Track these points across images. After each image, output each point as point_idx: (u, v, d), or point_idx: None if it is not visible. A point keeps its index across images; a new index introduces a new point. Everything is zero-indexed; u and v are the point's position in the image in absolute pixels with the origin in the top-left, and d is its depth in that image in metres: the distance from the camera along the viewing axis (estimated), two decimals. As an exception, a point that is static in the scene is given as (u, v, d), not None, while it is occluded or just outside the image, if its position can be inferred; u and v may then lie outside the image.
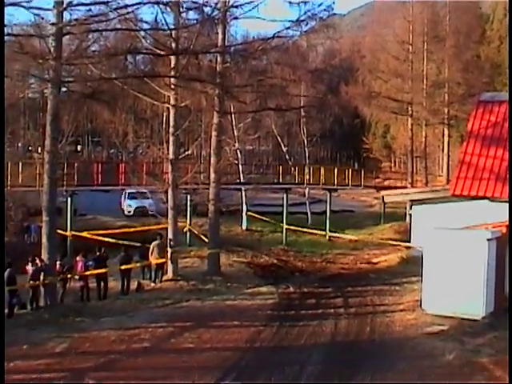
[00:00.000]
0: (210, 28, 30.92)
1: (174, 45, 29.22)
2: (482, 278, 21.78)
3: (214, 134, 32.41)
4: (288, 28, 31.60)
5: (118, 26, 28.23)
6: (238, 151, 48.91)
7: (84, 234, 35.39)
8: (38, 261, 24.73)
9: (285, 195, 45.34)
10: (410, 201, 38.39)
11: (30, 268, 24.73)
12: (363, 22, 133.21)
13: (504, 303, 22.31)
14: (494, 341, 19.71)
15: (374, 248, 41.33)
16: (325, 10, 30.81)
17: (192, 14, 30.38)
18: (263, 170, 64.98)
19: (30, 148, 66.44)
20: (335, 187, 53.49)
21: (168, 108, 31.08)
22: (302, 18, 30.72)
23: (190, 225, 40.72)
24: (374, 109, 70.08)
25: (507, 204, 23.78)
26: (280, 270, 34.34)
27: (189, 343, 20.19)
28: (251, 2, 29.85)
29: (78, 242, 34.45)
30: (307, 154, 57.66)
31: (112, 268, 27.99)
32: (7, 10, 23.31)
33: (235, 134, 47.44)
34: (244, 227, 47.91)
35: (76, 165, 44.53)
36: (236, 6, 30.53)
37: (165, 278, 29.79)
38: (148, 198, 47.51)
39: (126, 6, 24.98)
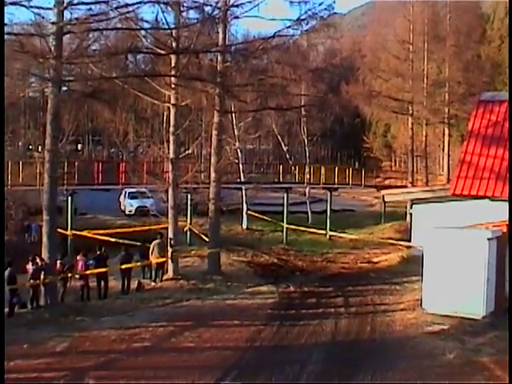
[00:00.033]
0: (210, 27, 30.92)
1: (174, 44, 29.22)
2: (483, 278, 21.79)
3: (214, 133, 32.41)
4: (288, 27, 31.64)
5: (119, 25, 28.22)
6: (238, 150, 48.92)
7: (84, 233, 35.39)
8: (38, 260, 24.73)
9: (285, 194, 45.34)
10: (411, 200, 38.38)
11: (30, 267, 24.72)
12: (364, 21, 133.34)
13: (504, 302, 22.31)
14: (494, 340, 19.73)
15: (375, 247, 41.34)
16: (325, 9, 30.84)
17: (192, 13, 30.42)
18: (264, 169, 65.01)
19: (30, 147, 66.45)
20: (336, 186, 53.52)
21: (168, 107, 31.08)
22: (302, 17, 30.77)
23: (191, 224, 40.70)
24: (375, 108, 70.12)
25: (507, 203, 23.79)
26: (280, 270, 34.34)
27: (189, 342, 20.20)
28: (252, 1, 29.88)
29: (78, 241, 34.45)
30: (308, 154, 57.69)
31: (112, 267, 27.99)
32: (8, 9, 23.33)
33: (236, 133, 47.44)
34: (244, 226, 47.91)
35: (76, 164, 44.56)
36: (237, 5, 30.53)
37: (165, 277, 29.80)
38: (148, 198, 47.49)
39: (127, 5, 24.99)
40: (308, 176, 53.96)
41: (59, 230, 28.68)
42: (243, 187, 47.96)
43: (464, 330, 20.92)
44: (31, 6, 23.13)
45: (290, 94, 45.02)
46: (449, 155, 61.18)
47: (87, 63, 26.58)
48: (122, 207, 50.09)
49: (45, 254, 24.81)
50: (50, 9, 24.00)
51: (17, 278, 24.13)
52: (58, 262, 25.91)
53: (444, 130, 62.23)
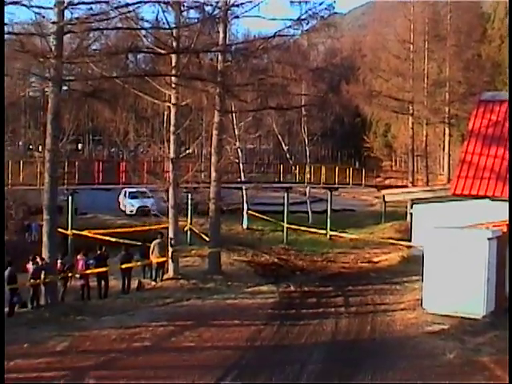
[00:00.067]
0: (210, 27, 30.93)
1: (174, 43, 29.22)
2: (483, 277, 21.78)
3: (214, 132, 32.42)
4: (289, 27, 31.67)
5: (119, 25, 28.25)
6: (238, 150, 48.92)
7: (85, 232, 35.39)
8: (38, 259, 24.73)
9: (285, 194, 45.34)
10: (411, 200, 38.40)
11: (30, 266, 24.73)
12: (364, 20, 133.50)
13: (505, 302, 22.32)
14: (494, 340, 19.73)
15: (375, 247, 41.35)
16: (326, 8, 30.90)
17: (193, 13, 30.42)
18: (264, 168, 64.96)
19: (30, 146, 66.33)
20: (336, 186, 53.50)
21: (169, 107, 31.09)
22: (302, 17, 30.79)
23: (191, 224, 40.71)
24: (375, 108, 70.16)
25: (508, 203, 23.78)
26: (281, 269, 34.34)
27: (189, 342, 20.20)
28: (252, 1, 29.90)
29: (78, 241, 34.45)
30: (308, 153, 57.70)
31: (113, 267, 28.00)
32: (8, 8, 23.35)
33: (236, 132, 47.44)
34: (245, 226, 47.92)
35: (77, 163, 44.53)
36: (237, 5, 30.56)
37: (165, 276, 29.81)
38: (149, 197, 47.45)
39: (127, 5, 25.00)
40: (308, 176, 53.96)
41: (59, 230, 28.68)
42: (243, 187, 47.96)
43: (464, 329, 20.92)
44: (32, 6, 23.13)
45: (291, 94, 45.08)
46: (449, 155, 61.21)
47: (88, 63, 26.57)
48: (122, 207, 49.90)
49: (45, 254, 24.80)
50: (50, 8, 24.01)
51: (17, 278, 24.15)
52: (59, 261, 25.93)
53: (444, 130, 62.25)
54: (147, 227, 37.40)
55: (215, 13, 29.88)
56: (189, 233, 40.14)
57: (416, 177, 62.11)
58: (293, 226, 43.76)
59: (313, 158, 62.00)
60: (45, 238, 24.93)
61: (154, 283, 29.16)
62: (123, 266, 28.06)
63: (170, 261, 30.14)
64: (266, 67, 43.87)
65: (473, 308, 21.77)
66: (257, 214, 47.06)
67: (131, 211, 48.15)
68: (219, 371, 17.05)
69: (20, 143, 73.46)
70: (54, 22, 24.03)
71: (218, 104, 31.90)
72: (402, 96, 58.68)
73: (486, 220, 24.43)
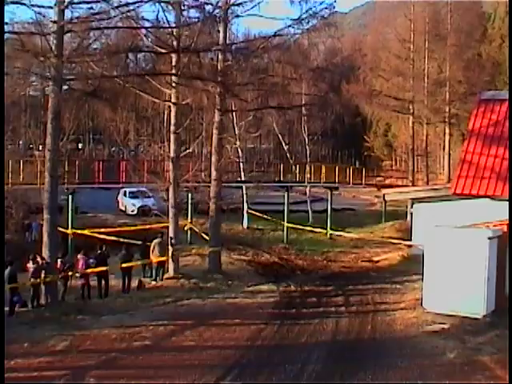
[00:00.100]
0: (211, 26, 30.88)
1: (175, 43, 29.23)
2: (483, 277, 21.80)
3: (215, 132, 32.42)
4: (289, 26, 31.69)
5: (120, 24, 28.27)
6: (239, 149, 48.86)
7: (85, 231, 35.38)
8: (38, 259, 24.74)
9: (286, 193, 45.32)
10: (411, 199, 38.36)
11: (31, 266, 24.73)
12: (365, 20, 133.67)
13: (505, 302, 22.30)
14: (495, 339, 19.75)
15: (375, 246, 41.35)
16: (326, 8, 30.88)
17: (193, 12, 30.41)
18: (264, 168, 65.01)
19: (31, 146, 66.41)
20: (336, 185, 53.47)
21: (169, 106, 31.10)
22: (303, 17, 30.79)
23: (191, 223, 40.70)
24: (376, 107, 70.27)
25: (508, 203, 23.78)
26: (281, 269, 34.33)
27: (190, 341, 20.21)
28: (252, 0, 29.92)
29: (79, 240, 34.43)
30: (308, 153, 57.60)
31: (113, 266, 28.00)
32: (8, 7, 23.39)
33: (236, 132, 47.37)
34: (245, 225, 47.88)
35: (77, 163, 44.61)
36: (237, 4, 30.57)
37: (166, 276, 29.83)
38: (149, 197, 47.35)
39: (128, 4, 25.00)
40: (309, 175, 53.99)
41: (60, 229, 28.71)
42: (244, 186, 47.94)
43: (464, 329, 20.95)
44: (32, 5, 23.20)
45: (291, 93, 45.00)
46: (449, 154, 61.24)
47: (88, 62, 26.58)
48: (122, 207, 49.41)
49: (45, 253, 24.82)
50: (50, 7, 24.05)
51: (17, 277, 24.16)
52: (59, 260, 25.94)
53: (445, 129, 62.30)
54: (147, 226, 37.40)
55: (215, 12, 29.92)
56: (189, 232, 40.11)
57: (416, 176, 62.15)
58: (293, 226, 43.76)
59: (313, 158, 61.89)
60: (45, 238, 24.94)
61: (154, 282, 29.17)
62: (123, 266, 28.06)
63: (170, 260, 30.16)
64: (266, 67, 43.83)
65: (473, 307, 21.78)
66: (257, 214, 47.05)
67: (132, 211, 47.79)
68: (220, 371, 17.07)
69: (20, 142, 73.37)
70: (54, 22, 24.05)
71: (218, 103, 31.90)
72: (402, 95, 58.76)
73: (487, 219, 24.43)
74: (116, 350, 19.28)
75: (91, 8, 24.17)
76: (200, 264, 33.20)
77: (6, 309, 23.04)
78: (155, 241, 29.89)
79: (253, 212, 47.56)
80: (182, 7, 29.20)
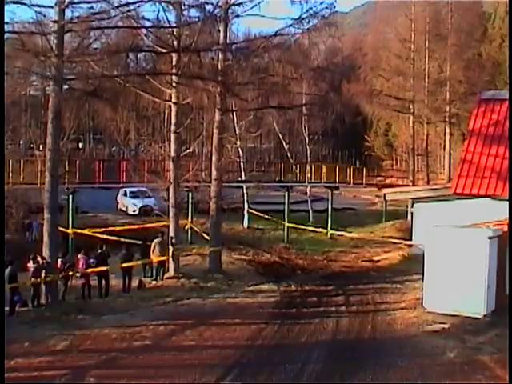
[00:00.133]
0: (211, 26, 30.88)
1: (175, 42, 29.24)
2: (484, 276, 21.81)
3: (215, 131, 32.43)
4: (290, 26, 31.73)
5: (120, 24, 28.28)
6: (239, 149, 48.84)
7: (85, 231, 35.38)
8: (39, 258, 24.75)
9: (286, 193, 45.30)
10: (412, 199, 38.35)
11: (31, 265, 24.73)
12: (365, 20, 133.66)
13: (505, 301, 22.30)
14: (495, 339, 19.76)
15: (376, 246, 41.33)
16: (327, 7, 30.86)
17: (194, 12, 30.40)
18: (265, 167, 65.05)
19: (31, 145, 66.30)
20: (337, 185, 53.46)
21: (170, 106, 31.10)
22: (303, 16, 30.77)
23: (192, 222, 40.69)
24: (376, 107, 70.27)
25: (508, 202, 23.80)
26: (281, 268, 34.33)
27: (190, 341, 20.22)
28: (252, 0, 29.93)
29: (79, 240, 34.41)
30: (309, 152, 57.56)
31: (113, 266, 28.01)
32: (9, 7, 23.38)
33: (237, 131, 47.35)
34: (245, 225, 47.86)
35: (78, 162, 44.64)
36: (238, 4, 30.59)
37: (166, 275, 29.83)
38: (150, 197, 47.28)
39: (128, 4, 25.00)
40: (309, 175, 54.01)
41: (60, 229, 28.68)
42: (244, 186, 47.92)
43: (465, 328, 20.96)
44: (32, 5, 23.20)
45: (292, 93, 44.99)
46: (450, 154, 61.26)
47: (88, 61, 26.59)
48: (122, 207, 49.07)
49: (46, 253, 24.83)
50: (51, 7, 24.05)
51: (18, 277, 24.17)
52: (59, 260, 25.94)
53: (445, 129, 62.31)
54: (148, 226, 37.40)
55: (216, 12, 29.92)
56: (189, 232, 40.11)
57: (417, 176, 62.20)
58: (294, 225, 43.75)
59: (314, 157, 61.89)
60: (45, 237, 24.95)
61: (154, 282, 29.18)
62: (124, 265, 28.07)
63: (170, 260, 30.16)
64: (266, 66, 43.85)
65: (473, 307, 21.79)
66: (258, 213, 47.03)
67: (134, 211, 47.54)
68: (220, 370, 17.07)
69: (21, 142, 73.38)
70: (54, 21, 24.06)
71: (218, 103, 31.89)
72: (402, 95, 58.78)
73: (487, 219, 24.43)
74: (116, 349, 19.29)
75: (91, 8, 24.19)
76: (200, 264, 33.21)
77: (7, 308, 23.04)
78: (156, 240, 29.89)
79: (253, 212, 47.54)
80: (183, 7, 29.20)
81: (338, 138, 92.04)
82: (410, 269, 30.46)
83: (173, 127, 30.48)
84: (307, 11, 30.51)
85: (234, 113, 43.65)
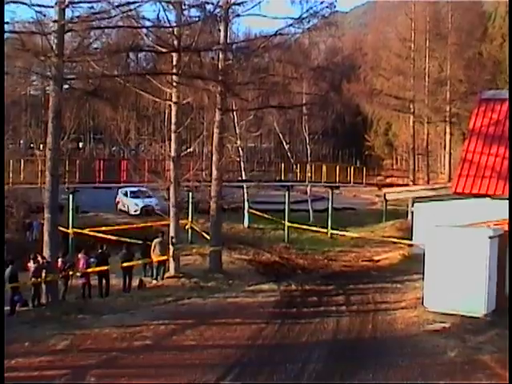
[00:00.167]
0: (212, 25, 30.87)
1: (176, 42, 29.23)
2: (484, 276, 21.81)
3: (215, 131, 32.43)
4: (290, 25, 31.75)
5: (120, 24, 28.30)
6: (239, 148, 48.84)
7: (86, 231, 35.38)
8: (39, 258, 24.76)
9: (287, 193, 45.30)
10: (412, 198, 38.30)
11: (31, 265, 24.75)
12: (365, 19, 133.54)
13: (505, 301, 22.29)
14: (495, 338, 19.76)
15: (376, 246, 41.34)
16: (327, 7, 30.83)
17: (194, 12, 30.40)
18: (265, 167, 64.84)
19: (31, 145, 66.27)
20: (337, 185, 53.39)
21: (170, 105, 31.10)
22: (304, 16, 30.80)
23: (192, 222, 40.68)
24: (376, 106, 70.23)
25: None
26: (282, 268, 34.34)
27: (191, 341, 20.23)
28: (253, -1, 29.93)
29: (79, 240, 34.46)
30: (309, 152, 57.55)
31: (114, 265, 28.01)
32: (9, 7, 23.38)
33: (237, 131, 47.34)
34: (246, 225, 47.85)
35: (78, 162, 44.49)
36: (238, 4, 30.57)
37: (166, 275, 29.83)
38: (150, 196, 47.21)
39: (128, 4, 24.97)
40: (309, 174, 53.92)
41: (60, 228, 28.71)
42: (245, 185, 47.90)
43: (465, 328, 20.96)
44: (33, 4, 23.19)
45: (292, 93, 45.03)
46: (450, 153, 61.18)
47: (89, 61, 26.57)
48: (122, 207, 48.92)
49: (46, 252, 24.84)
50: (51, 7, 24.06)
51: (18, 276, 24.18)
52: (60, 260, 25.95)
53: (445, 129, 62.20)
54: (148, 225, 37.41)
55: (216, 11, 29.91)
56: (190, 231, 40.11)
57: (417, 175, 62.11)
58: (294, 225, 43.75)
59: (314, 157, 61.82)
60: (46, 237, 24.96)
61: (155, 282, 29.18)
62: (124, 265, 28.07)
63: (171, 259, 30.16)
64: (267, 66, 43.87)
65: (474, 306, 21.79)
66: (258, 213, 47.03)
67: (135, 211, 47.35)
68: (220, 370, 17.08)
69: (21, 141, 73.35)
70: (55, 21, 24.06)
71: (219, 102, 31.89)
72: (403, 94, 58.70)
73: (487, 219, 24.41)
74: (117, 349, 19.30)
75: (92, 7, 24.21)
76: (201, 263, 33.22)
77: (7, 308, 23.06)
78: (156, 240, 29.88)
79: (254, 211, 47.53)
80: (183, 6, 29.19)
81: (339, 138, 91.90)
82: (410, 268, 30.46)
83: (173, 127, 30.48)
84: (307, 11, 30.58)
85: (235, 112, 43.65)
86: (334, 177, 53.81)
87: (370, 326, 22.23)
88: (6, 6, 23.02)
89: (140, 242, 31.16)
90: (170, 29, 29.43)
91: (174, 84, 29.97)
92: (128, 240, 32.05)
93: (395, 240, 40.30)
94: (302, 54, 56.90)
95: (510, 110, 27.31)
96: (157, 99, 34.73)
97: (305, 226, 44.20)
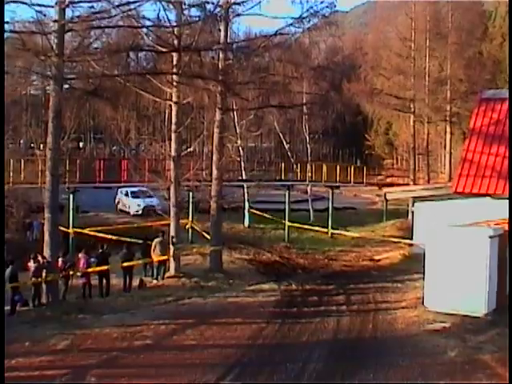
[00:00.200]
0: (212, 25, 30.86)
1: (176, 42, 29.22)
2: (484, 275, 21.82)
3: (216, 130, 32.43)
4: (290, 25, 31.73)
5: (121, 23, 28.30)
6: (240, 148, 48.83)
7: (86, 230, 35.39)
8: (40, 258, 24.76)
9: (287, 192, 45.30)
10: (412, 198, 38.37)
11: (32, 265, 24.75)
12: (366, 19, 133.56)
13: (506, 300, 22.30)
14: (496, 338, 19.76)
15: (377, 245, 41.30)
16: (327, 6, 30.82)
17: (194, 11, 30.41)
18: (265, 166, 64.87)
19: (32, 145, 66.36)
20: (337, 184, 53.38)
21: (170, 105, 31.10)
22: (304, 15, 30.77)
23: (192, 222, 40.67)
24: (377, 106, 70.15)
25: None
26: (282, 267, 34.34)
27: (191, 340, 20.23)
28: (253, -1, 29.93)
29: (80, 239, 34.47)
30: (309, 151, 57.54)
31: (114, 265, 28.01)
32: (9, 6, 23.38)
33: (237, 130, 47.34)
34: (246, 224, 47.84)
35: (78, 162, 44.55)
36: (238, 3, 30.57)
37: (167, 275, 29.82)
38: (151, 196, 47.13)
39: (129, 3, 24.99)
40: (310, 174, 53.95)
41: (61, 228, 28.71)
42: (245, 185, 47.90)
43: (466, 327, 20.97)
44: (33, 4, 23.19)
45: (292, 92, 44.96)
46: (450, 153, 61.16)
47: (89, 61, 26.57)
48: (123, 207, 48.71)
49: (46, 252, 24.85)
50: (51, 6, 24.06)
51: (18, 276, 24.18)
52: (60, 259, 25.95)
53: (446, 128, 62.18)
54: (149, 225, 37.41)
55: (216, 11, 29.90)
56: (190, 231, 40.10)
57: (417, 175, 62.06)
58: (294, 225, 43.73)
59: (314, 156, 61.85)
60: (46, 237, 24.97)
61: (155, 281, 29.17)
62: (125, 265, 28.07)
63: (171, 259, 30.15)
64: (267, 65, 43.83)
65: (474, 306, 21.80)
66: (258, 212, 47.01)
67: (137, 211, 47.21)
68: (221, 369, 17.09)
69: (21, 141, 73.36)
70: (55, 21, 24.07)
71: (219, 102, 31.88)
72: (403, 94, 58.61)
73: (488, 218, 24.41)
74: (117, 349, 19.30)
75: (92, 7, 24.24)
76: (201, 263, 33.21)
77: (7, 308, 23.06)
78: (156, 240, 29.88)
79: (254, 211, 47.51)
80: (183, 6, 29.20)
81: (339, 137, 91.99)
82: (410, 268, 30.47)
83: (173, 126, 30.48)
84: (308, 10, 30.54)
85: (235, 112, 43.63)
86: (335, 176, 53.85)
87: (370, 325, 22.24)
88: (6, 6, 23.04)
89: (140, 241, 31.17)
90: (170, 28, 29.42)
91: (175, 84, 29.96)
92: (128, 240, 32.06)
93: (396, 240, 40.28)
94: (302, 53, 56.81)
95: (510, 110, 27.31)
96: (157, 99, 34.74)
97: (305, 226, 44.18)
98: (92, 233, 34.91)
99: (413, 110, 58.35)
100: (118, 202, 49.52)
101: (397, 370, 17.06)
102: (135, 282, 28.23)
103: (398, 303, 25.16)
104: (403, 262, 34.80)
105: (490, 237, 22.00)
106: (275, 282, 29.95)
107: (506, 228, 23.24)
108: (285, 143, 61.29)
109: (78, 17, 24.21)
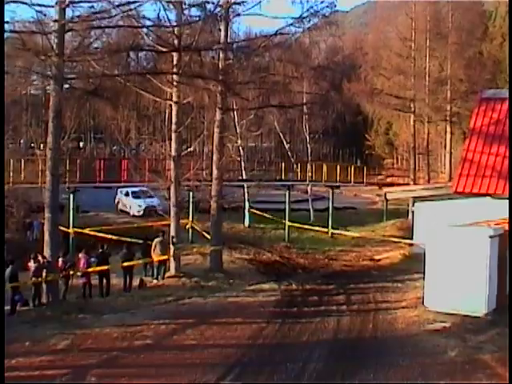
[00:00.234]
0: (212, 25, 30.86)
1: (176, 42, 29.21)
2: (485, 275, 21.81)
3: (216, 130, 32.42)
4: (290, 25, 31.75)
5: (121, 23, 28.28)
6: (240, 148, 48.82)
7: (86, 230, 35.39)
8: (40, 258, 24.76)
9: (287, 192, 45.29)
10: (413, 198, 38.37)
11: (32, 265, 24.75)
12: (366, 19, 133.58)
13: (506, 300, 22.30)
14: (496, 338, 19.76)
15: (377, 245, 41.29)
16: (327, 6, 30.83)
17: (194, 11, 30.41)
18: (266, 166, 64.86)
19: (32, 145, 66.36)
20: (338, 184, 53.38)
21: (170, 105, 31.09)
22: (304, 15, 30.77)
23: (193, 222, 40.66)
24: (377, 106, 70.15)
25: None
26: (282, 267, 34.33)
27: (191, 340, 20.23)
28: (253, -1, 29.93)
29: (80, 239, 34.48)
30: (310, 151, 57.54)
31: (114, 265, 28.01)
32: (9, 6, 23.37)
33: (237, 130, 47.32)
34: (246, 224, 47.84)
35: (78, 161, 44.56)
36: (238, 3, 30.55)
37: (167, 274, 29.82)
38: (152, 196, 47.08)
39: (129, 3, 24.98)
40: (310, 174, 53.95)
41: (61, 228, 28.71)
42: (245, 185, 47.89)
43: (466, 327, 20.96)
44: (33, 4, 23.19)
45: (292, 92, 44.98)
46: (451, 153, 61.16)
47: (89, 61, 26.58)
48: (123, 208, 48.58)
49: (47, 252, 24.85)
50: (51, 6, 24.06)
51: (19, 276, 24.18)
52: (60, 259, 25.94)
53: (446, 128, 62.17)
54: (149, 225, 37.42)
55: (217, 11, 29.90)
56: (190, 231, 40.10)
57: (418, 175, 62.09)
58: (294, 224, 43.72)
59: (314, 156, 61.83)
60: (46, 237, 24.97)
61: (155, 281, 29.17)
62: (125, 264, 28.07)
63: (171, 259, 30.15)
64: (267, 65, 43.85)
65: (474, 306, 21.79)
66: (258, 212, 47.01)
67: (138, 212, 47.01)
68: (221, 369, 17.08)
69: (21, 141, 73.36)
70: (55, 20, 24.07)
71: (219, 102, 31.88)
72: (403, 94, 58.62)
73: (488, 218, 24.42)
74: (117, 348, 19.30)
75: (92, 7, 24.24)
76: (201, 263, 33.21)
77: (8, 308, 23.07)
78: (156, 239, 29.88)
79: (254, 211, 47.52)
80: (183, 6, 29.20)
81: (339, 137, 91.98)
82: (410, 268, 30.46)
83: (173, 126, 30.47)
84: (308, 10, 30.55)
85: (235, 112, 43.61)
86: (335, 176, 53.84)
87: (370, 325, 22.23)
88: (6, 6, 23.04)
89: (140, 241, 31.18)
90: (171, 28, 29.42)
91: (175, 83, 29.96)
92: (128, 239, 32.07)
93: (396, 239, 40.28)
94: (302, 53, 56.84)
95: (510, 110, 27.31)
96: (157, 99, 34.73)
97: (305, 226, 44.17)
98: (92, 233, 34.93)
99: (413, 109, 58.36)
100: (118, 202, 49.47)
101: (397, 370, 17.06)
102: (135, 282, 28.24)
103: (399, 303, 25.15)
104: (403, 262, 34.79)
105: (490, 237, 21.99)
106: (275, 282, 29.94)
107: (506, 228, 23.24)
108: (285, 143, 61.28)
109: (78, 17, 24.21)
